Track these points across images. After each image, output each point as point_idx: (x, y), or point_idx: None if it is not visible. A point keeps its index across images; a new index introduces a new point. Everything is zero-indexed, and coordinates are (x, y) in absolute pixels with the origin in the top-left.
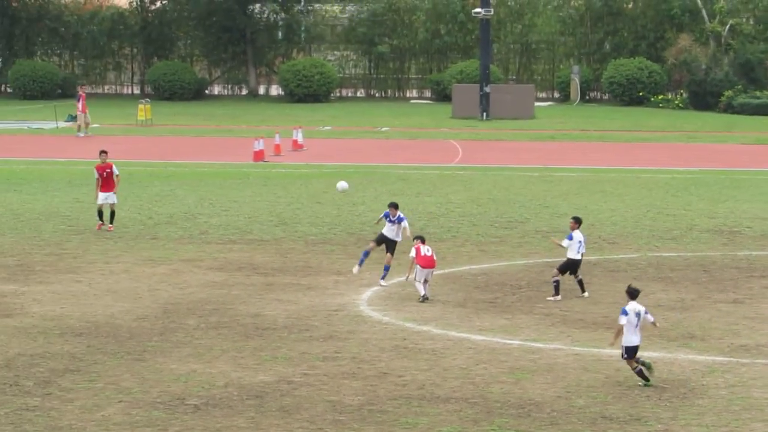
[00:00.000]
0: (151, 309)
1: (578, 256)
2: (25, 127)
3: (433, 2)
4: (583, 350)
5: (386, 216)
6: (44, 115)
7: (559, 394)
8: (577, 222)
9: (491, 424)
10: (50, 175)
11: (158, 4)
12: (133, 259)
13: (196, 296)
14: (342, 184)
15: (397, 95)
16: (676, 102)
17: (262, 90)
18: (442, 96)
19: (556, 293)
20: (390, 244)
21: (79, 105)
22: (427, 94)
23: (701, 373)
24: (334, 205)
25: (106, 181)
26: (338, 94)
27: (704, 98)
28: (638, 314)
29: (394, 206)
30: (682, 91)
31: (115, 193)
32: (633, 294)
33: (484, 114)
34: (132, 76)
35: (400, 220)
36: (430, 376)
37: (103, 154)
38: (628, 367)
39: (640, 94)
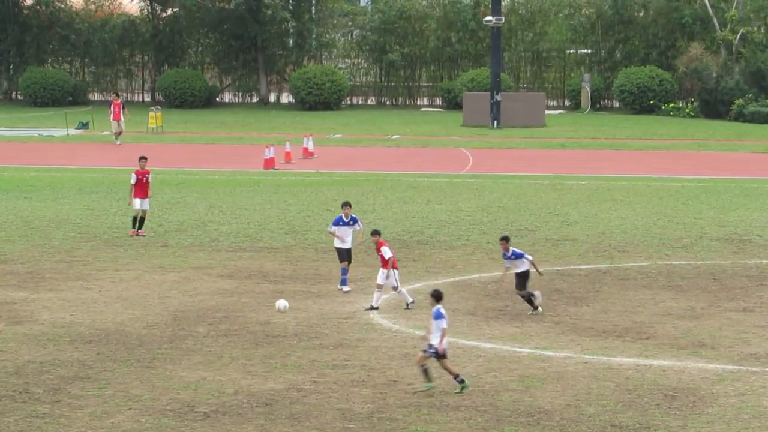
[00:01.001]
0: (161, 316)
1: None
2: (36, 135)
3: (444, 10)
4: (592, 358)
5: (338, 221)
6: (55, 122)
7: (568, 402)
8: (507, 240)
9: (501, 431)
10: (61, 183)
11: (169, 11)
12: (143, 267)
13: (206, 304)
14: (281, 304)
15: (407, 103)
16: (687, 110)
17: (272, 98)
18: (453, 104)
19: (534, 306)
20: (347, 252)
21: (112, 113)
22: (438, 102)
23: (711, 381)
24: None
25: (143, 188)
26: (349, 102)
27: (715, 107)
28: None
29: (348, 205)
30: (692, 99)
31: (148, 199)
32: (439, 297)
33: (495, 122)
34: (143, 84)
35: (354, 221)
36: (439, 384)
37: (142, 160)
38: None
39: (651, 102)
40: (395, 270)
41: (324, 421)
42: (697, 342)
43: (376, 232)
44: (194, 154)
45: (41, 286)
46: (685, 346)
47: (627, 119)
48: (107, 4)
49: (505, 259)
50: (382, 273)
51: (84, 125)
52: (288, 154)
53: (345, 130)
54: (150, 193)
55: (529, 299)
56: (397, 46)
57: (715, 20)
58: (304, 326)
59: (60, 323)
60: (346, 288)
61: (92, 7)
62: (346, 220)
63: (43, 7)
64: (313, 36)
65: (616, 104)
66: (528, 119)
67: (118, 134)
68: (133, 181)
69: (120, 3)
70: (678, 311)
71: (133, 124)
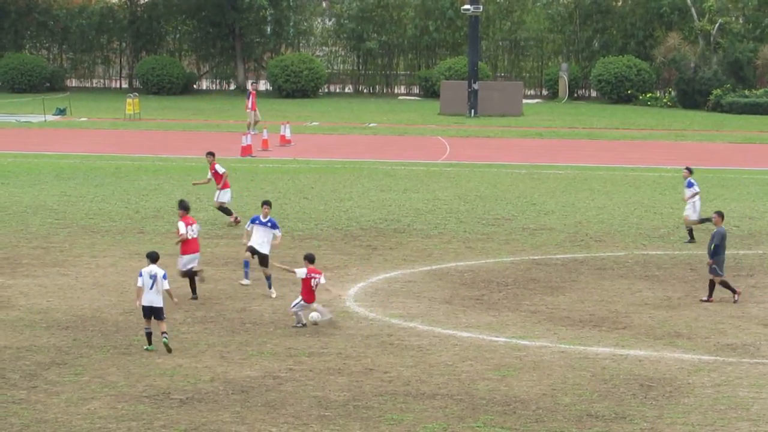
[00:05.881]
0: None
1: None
2: (13, 121)
3: None
4: (569, 348)
5: (255, 221)
6: (32, 108)
7: (544, 391)
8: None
9: (476, 420)
10: (38, 169)
11: None
12: (119, 253)
13: (183, 291)
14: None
15: (385, 91)
16: (665, 100)
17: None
18: (431, 92)
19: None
20: (261, 258)
21: (249, 102)
22: (416, 90)
23: (687, 371)
24: (321, 200)
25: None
26: (326, 90)
27: (693, 97)
28: (153, 277)
29: (267, 204)
30: (670, 89)
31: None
32: (152, 258)
33: (472, 111)
34: (120, 71)
35: (273, 226)
36: (415, 373)
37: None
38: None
39: (629, 92)
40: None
41: (300, 409)
42: (674, 332)
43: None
44: (171, 141)
45: (18, 272)
46: (661, 336)
47: (604, 109)
48: None
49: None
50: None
51: (61, 111)
52: (265, 141)
53: (322, 118)
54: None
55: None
56: (375, 34)
57: (693, 10)
58: (280, 314)
59: (36, 309)
60: (246, 281)
61: None
62: (263, 221)
63: None
64: (291, 24)
65: (594, 94)
66: (505, 108)
67: (255, 123)
68: None
69: None
70: (654, 301)
71: (110, 111)
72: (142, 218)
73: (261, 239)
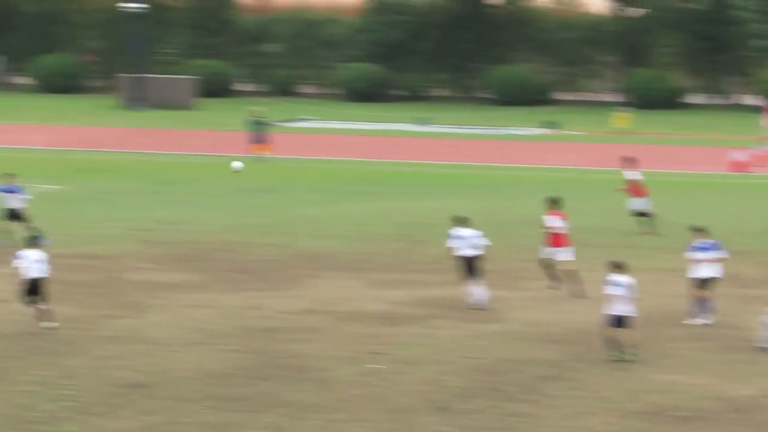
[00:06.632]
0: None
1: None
2: (503, 133)
3: None
4: None
5: (698, 248)
6: (523, 121)
7: None
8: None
9: None
10: (528, 181)
11: (638, 11)
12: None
13: (677, 306)
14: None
15: None
16: None
17: (741, 99)
18: None
19: None
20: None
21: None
22: None
23: None
24: None
25: None
26: None
27: None
28: (623, 286)
29: (701, 230)
30: None
31: None
32: (619, 266)
33: None
34: (609, 84)
35: (717, 249)
36: None
37: None
38: None
39: None
40: None
41: None
42: None
43: None
44: (658, 156)
45: (512, 285)
46: None
47: None
48: (573, 2)
49: None
50: None
51: (551, 124)
52: (762, 156)
53: None
54: None
55: None
56: None
57: None
58: None
59: (530, 322)
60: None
61: (558, 6)
62: (706, 245)
63: (510, 6)
64: None
65: None
66: None
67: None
68: None
69: (585, 2)
70: None
71: (597, 124)
72: (626, 233)
73: (708, 266)
